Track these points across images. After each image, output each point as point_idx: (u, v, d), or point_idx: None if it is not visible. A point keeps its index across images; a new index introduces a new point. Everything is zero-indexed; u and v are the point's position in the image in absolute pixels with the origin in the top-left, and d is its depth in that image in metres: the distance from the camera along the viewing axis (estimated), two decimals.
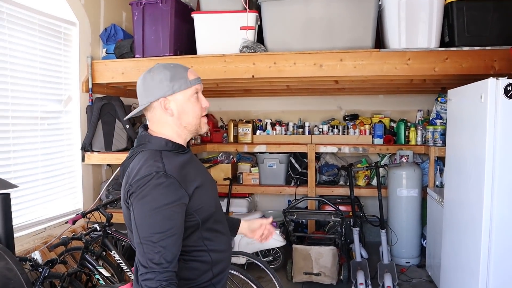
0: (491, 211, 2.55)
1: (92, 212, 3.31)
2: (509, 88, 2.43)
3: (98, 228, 3.21)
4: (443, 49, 3.52)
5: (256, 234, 2.01)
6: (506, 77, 2.49)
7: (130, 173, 1.52)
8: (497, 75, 2.56)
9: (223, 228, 1.70)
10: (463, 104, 3.03)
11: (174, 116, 1.61)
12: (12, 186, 2.65)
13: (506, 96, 2.45)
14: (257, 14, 3.90)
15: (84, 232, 3.21)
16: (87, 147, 4.07)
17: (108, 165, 4.46)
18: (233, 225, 1.97)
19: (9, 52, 3.26)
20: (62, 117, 3.90)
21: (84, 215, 3.26)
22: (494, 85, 2.48)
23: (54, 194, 3.78)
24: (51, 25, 3.70)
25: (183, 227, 1.49)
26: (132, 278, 3.07)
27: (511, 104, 2.45)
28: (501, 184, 2.52)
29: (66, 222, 3.39)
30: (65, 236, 3.21)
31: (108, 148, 4.11)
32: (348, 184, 4.59)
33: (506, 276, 2.54)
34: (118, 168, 3.93)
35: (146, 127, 1.68)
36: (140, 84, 1.63)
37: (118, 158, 4.04)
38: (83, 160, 4.09)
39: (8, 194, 2.60)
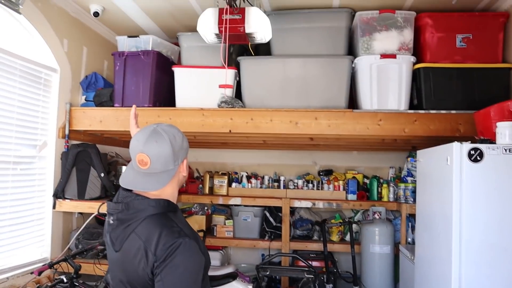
0: (460, 270, 2.60)
1: (60, 263, 3.21)
2: (472, 152, 2.57)
3: (65, 280, 3.08)
4: (412, 111, 3.70)
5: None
6: (470, 141, 2.63)
7: (147, 242, 1.49)
8: (462, 138, 2.70)
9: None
10: (431, 165, 3.15)
11: (185, 173, 1.67)
12: None
13: (470, 159, 2.58)
14: (236, 70, 4.04)
15: (49, 284, 3.09)
16: (59, 194, 4.00)
17: (79, 213, 4.36)
18: None
19: None
20: (35, 162, 3.86)
21: (51, 266, 3.15)
22: (459, 149, 2.62)
23: (20, 242, 3.64)
24: (32, 71, 3.73)
25: None
26: None
27: (474, 167, 2.58)
28: (469, 243, 2.59)
29: (32, 273, 3.26)
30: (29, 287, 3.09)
31: (81, 196, 4.04)
32: (322, 239, 4.59)
33: None
34: (90, 218, 3.88)
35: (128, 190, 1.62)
36: (165, 149, 1.55)
37: (91, 206, 3.97)
38: (54, 207, 4.00)
39: None
